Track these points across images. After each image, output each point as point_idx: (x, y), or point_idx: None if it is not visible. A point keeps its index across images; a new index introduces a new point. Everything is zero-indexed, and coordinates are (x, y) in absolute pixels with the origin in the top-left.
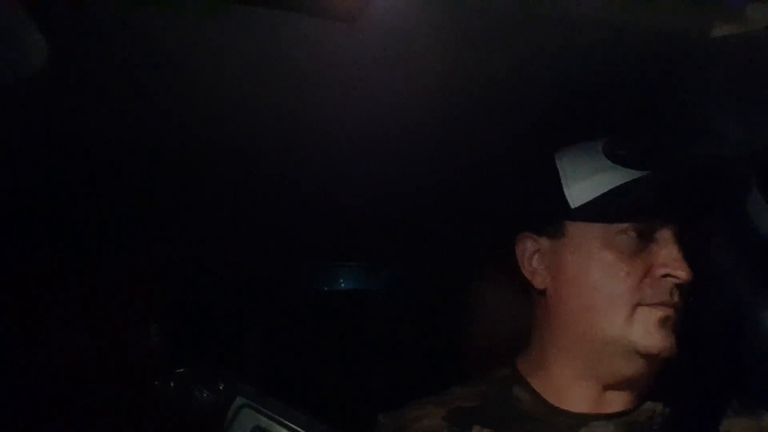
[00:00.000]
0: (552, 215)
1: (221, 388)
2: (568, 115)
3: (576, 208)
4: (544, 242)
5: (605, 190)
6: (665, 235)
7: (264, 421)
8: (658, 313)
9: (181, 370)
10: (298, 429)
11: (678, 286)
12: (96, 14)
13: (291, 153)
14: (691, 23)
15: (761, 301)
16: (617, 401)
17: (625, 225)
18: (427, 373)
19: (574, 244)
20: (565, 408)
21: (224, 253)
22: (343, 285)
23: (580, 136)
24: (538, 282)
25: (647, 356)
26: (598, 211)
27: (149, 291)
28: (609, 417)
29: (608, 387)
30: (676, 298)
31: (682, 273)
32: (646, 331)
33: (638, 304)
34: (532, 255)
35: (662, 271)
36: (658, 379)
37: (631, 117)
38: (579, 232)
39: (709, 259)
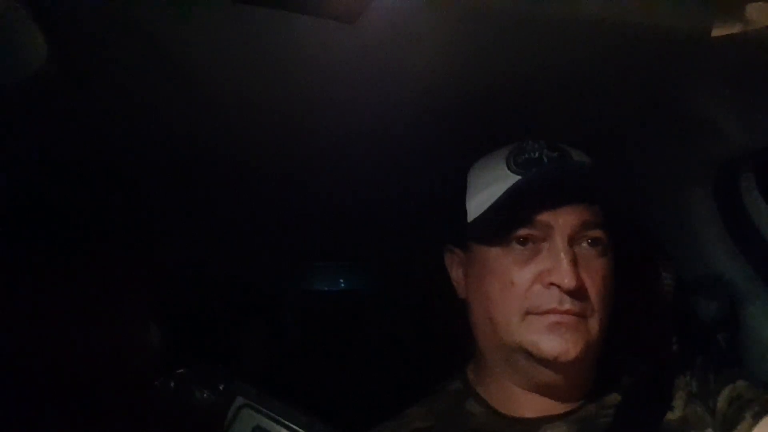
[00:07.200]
0: (458, 228)
1: (221, 388)
2: (561, 118)
3: (471, 222)
4: (460, 253)
5: (493, 201)
6: (554, 242)
7: (264, 421)
8: (548, 319)
9: (181, 370)
10: (298, 429)
11: (571, 293)
12: (95, 14)
13: (290, 153)
14: (691, 23)
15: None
16: (565, 401)
17: (514, 234)
18: (423, 371)
19: (477, 255)
20: (518, 416)
21: (223, 253)
22: (343, 285)
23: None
24: (460, 292)
25: (546, 362)
26: (486, 222)
27: (149, 291)
28: (560, 417)
29: (539, 392)
30: (567, 305)
31: (567, 281)
32: (538, 338)
33: (528, 312)
34: (453, 265)
35: (548, 279)
36: (603, 371)
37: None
38: (479, 243)
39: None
